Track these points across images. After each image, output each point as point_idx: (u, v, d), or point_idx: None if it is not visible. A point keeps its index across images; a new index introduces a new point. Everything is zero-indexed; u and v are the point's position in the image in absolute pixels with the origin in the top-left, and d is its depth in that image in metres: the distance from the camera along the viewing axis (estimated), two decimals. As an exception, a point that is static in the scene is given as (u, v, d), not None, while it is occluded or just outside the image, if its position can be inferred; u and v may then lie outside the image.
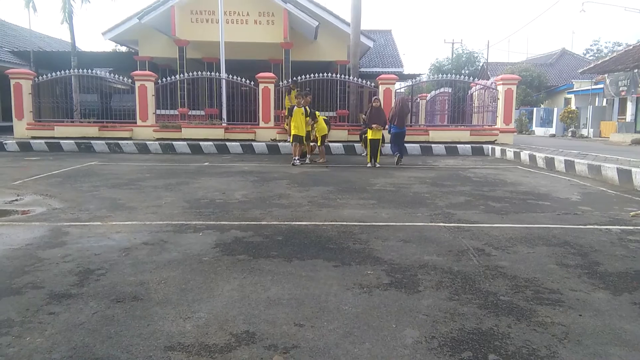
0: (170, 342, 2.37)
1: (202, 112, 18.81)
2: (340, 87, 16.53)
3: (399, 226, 4.88)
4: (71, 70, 15.60)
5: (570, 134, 25.12)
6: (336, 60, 20.04)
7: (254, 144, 13.87)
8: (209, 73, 16.38)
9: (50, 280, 3.22)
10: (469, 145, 13.95)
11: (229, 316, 2.68)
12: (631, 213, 5.54)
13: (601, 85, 25.32)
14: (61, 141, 13.70)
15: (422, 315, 2.72)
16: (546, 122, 28.94)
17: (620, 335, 2.49)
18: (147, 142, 13.68)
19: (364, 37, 19.01)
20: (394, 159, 10.92)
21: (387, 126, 10.74)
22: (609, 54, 44.96)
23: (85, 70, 15.18)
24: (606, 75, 21.92)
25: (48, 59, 21.44)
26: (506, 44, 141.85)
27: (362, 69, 25.01)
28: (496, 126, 15.12)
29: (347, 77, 16.16)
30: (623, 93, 21.09)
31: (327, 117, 12.66)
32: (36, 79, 15.05)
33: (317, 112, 11.36)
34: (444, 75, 16.86)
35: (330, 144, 12.92)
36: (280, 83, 15.71)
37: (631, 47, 22.51)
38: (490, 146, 13.76)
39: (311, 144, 11.22)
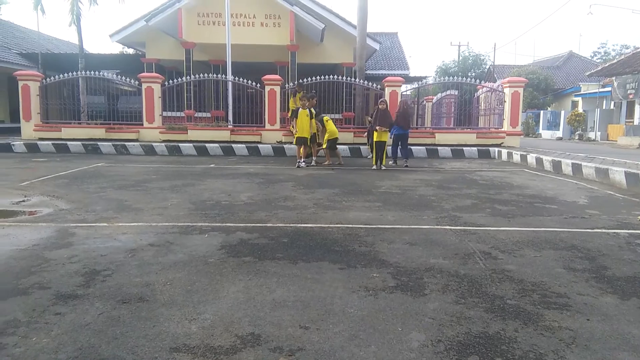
0: (176, 344, 2.37)
1: (209, 114, 18.90)
2: (346, 89, 16.55)
3: (405, 229, 4.87)
4: (78, 72, 15.72)
5: (577, 137, 24.98)
6: (342, 63, 20.05)
7: (259, 146, 13.89)
8: (215, 75, 16.43)
9: (57, 281, 3.23)
10: (475, 148, 13.90)
11: (235, 318, 2.68)
12: (639, 217, 5.49)
13: (609, 89, 25.18)
14: (68, 143, 13.79)
15: (429, 318, 2.70)
16: (553, 125, 28.79)
17: (628, 340, 2.47)
18: (154, 144, 13.73)
19: (370, 39, 19.02)
20: (398, 162, 10.99)
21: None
22: (617, 57, 44.70)
23: (92, 72, 15.28)
24: (614, 78, 21.79)
25: (56, 61, 21.61)
26: (513, 46, 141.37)
27: (368, 71, 25.02)
28: (503, 129, 15.06)
29: (353, 79, 16.16)
30: (631, 96, 20.94)
31: (332, 119, 12.66)
32: (44, 80, 15.17)
33: (325, 117, 11.35)
34: (451, 78, 16.79)
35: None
36: (286, 85, 15.74)
37: (639, 50, 22.37)
38: (496, 149, 13.70)
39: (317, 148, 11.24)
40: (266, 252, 3.98)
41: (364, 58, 17.49)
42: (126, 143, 13.80)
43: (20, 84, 14.84)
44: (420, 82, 20.27)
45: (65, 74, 15.21)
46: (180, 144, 13.76)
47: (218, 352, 2.30)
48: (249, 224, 4.96)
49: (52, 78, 15.18)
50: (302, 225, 4.96)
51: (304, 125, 10.36)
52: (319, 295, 3.04)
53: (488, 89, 16.36)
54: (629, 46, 47.43)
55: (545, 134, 29.14)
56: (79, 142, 13.78)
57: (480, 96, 17.23)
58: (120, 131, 14.97)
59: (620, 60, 22.65)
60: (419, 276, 3.42)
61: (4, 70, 19.42)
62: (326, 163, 10.97)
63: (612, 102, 25.05)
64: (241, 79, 15.33)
